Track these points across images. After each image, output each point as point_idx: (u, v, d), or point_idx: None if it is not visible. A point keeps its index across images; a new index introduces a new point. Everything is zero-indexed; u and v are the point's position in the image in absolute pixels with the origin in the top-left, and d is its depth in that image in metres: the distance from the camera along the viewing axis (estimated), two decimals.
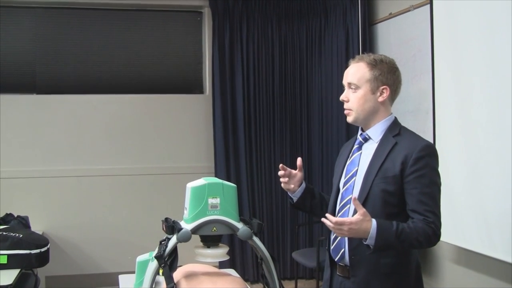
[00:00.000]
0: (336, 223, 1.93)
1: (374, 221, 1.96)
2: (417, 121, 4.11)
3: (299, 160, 2.28)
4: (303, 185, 2.32)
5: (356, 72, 2.16)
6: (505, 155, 3.04)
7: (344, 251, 2.14)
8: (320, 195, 2.39)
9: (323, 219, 1.96)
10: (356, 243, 2.06)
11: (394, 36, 4.52)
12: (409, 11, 4.25)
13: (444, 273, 3.95)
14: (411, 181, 2.04)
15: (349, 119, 2.20)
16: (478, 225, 3.32)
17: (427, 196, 2.03)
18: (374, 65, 2.15)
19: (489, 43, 3.20)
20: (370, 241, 1.96)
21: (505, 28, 3.03)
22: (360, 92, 2.14)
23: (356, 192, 2.13)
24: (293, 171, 2.28)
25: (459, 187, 3.40)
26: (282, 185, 2.30)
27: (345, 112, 2.21)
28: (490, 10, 3.19)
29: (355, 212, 2.06)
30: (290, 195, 2.34)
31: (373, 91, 2.14)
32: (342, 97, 2.20)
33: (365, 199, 2.08)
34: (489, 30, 3.21)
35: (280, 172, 2.27)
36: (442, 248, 3.90)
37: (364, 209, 1.95)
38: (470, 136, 3.38)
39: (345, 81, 2.21)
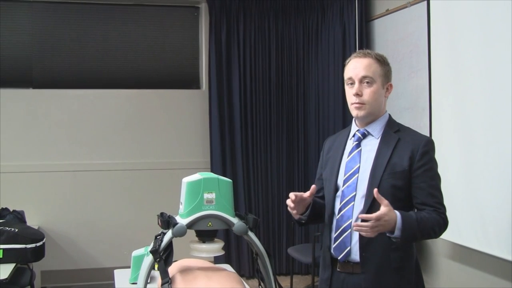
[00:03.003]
0: (376, 219, 1.89)
1: (397, 212, 1.97)
2: (413, 118, 4.11)
3: (313, 188, 2.10)
4: (310, 205, 2.18)
5: (369, 66, 2.13)
6: (501, 152, 3.05)
7: (350, 249, 2.13)
8: (320, 202, 2.28)
9: (358, 223, 1.93)
10: (366, 239, 2.04)
11: (391, 33, 4.51)
12: (406, 7, 4.25)
13: (439, 269, 3.96)
14: (419, 175, 2.09)
15: (361, 113, 2.14)
16: (473, 222, 3.33)
17: (435, 189, 2.10)
18: (382, 61, 2.17)
19: (486, 39, 3.21)
20: (398, 232, 1.96)
21: (501, 24, 3.03)
22: (375, 86, 2.13)
23: (361, 189, 2.13)
24: (304, 195, 2.10)
25: (455, 184, 3.41)
26: (289, 209, 2.14)
27: (357, 106, 2.13)
28: (487, 6, 3.19)
29: (359, 209, 2.10)
30: (297, 217, 2.18)
31: (383, 87, 2.16)
32: (356, 91, 2.12)
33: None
34: (486, 27, 3.21)
35: (289, 202, 2.10)
36: (438, 244, 3.91)
37: (386, 200, 1.94)
38: (466, 133, 3.39)
39: (356, 75, 2.13)
